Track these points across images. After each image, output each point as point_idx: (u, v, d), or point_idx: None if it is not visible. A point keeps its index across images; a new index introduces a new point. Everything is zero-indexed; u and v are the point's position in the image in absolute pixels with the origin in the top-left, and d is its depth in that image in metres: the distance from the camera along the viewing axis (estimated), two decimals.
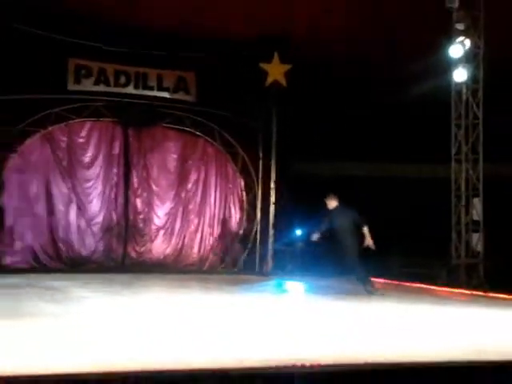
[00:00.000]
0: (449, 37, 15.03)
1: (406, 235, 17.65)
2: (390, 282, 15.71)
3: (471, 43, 14.88)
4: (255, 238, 18.92)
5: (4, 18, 16.23)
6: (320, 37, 17.13)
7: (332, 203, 13.23)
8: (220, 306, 10.99)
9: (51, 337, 6.51)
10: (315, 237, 13.18)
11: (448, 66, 15.32)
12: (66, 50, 16.86)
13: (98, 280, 14.61)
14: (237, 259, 18.83)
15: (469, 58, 15.01)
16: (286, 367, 5.24)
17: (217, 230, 19.15)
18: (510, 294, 12.62)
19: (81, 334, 6.83)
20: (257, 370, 5.17)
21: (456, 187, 15.48)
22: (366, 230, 12.72)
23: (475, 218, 15.21)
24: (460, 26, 14.81)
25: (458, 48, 14.89)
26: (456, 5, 14.48)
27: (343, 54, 17.48)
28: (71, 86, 17.17)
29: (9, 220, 16.74)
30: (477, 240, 15.17)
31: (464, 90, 15.26)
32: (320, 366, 5.31)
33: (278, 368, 5.25)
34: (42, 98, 16.44)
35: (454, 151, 15.44)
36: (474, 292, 13.65)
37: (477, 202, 15.27)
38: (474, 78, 15.12)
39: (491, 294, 13.13)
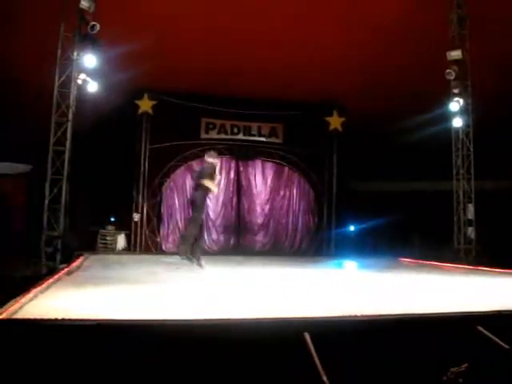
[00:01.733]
0: (449, 97, 16.09)
1: (425, 229, 19.18)
2: (413, 260, 16.69)
3: (464, 102, 16.04)
4: (323, 232, 21.07)
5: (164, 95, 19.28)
6: (360, 101, 18.83)
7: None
8: (296, 274, 12.01)
9: (188, 293, 7.74)
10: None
11: (449, 116, 16.43)
12: (200, 112, 19.78)
13: (220, 259, 15.89)
14: (311, 247, 21.01)
15: (463, 112, 16.15)
16: (334, 317, 5.69)
17: (298, 228, 21.20)
18: (492, 268, 13.24)
19: (206, 291, 8.07)
20: (306, 319, 5.42)
21: (456, 196, 16.67)
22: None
23: (469, 217, 16.49)
24: (456, 91, 15.96)
25: (455, 105, 16.06)
26: (452, 77, 15.77)
27: (378, 110, 18.89)
28: (203, 135, 20.12)
29: (164, 221, 19.88)
30: (471, 232, 16.42)
31: (460, 132, 16.47)
32: (359, 316, 5.65)
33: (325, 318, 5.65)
34: (185, 143, 19.62)
35: (454, 172, 16.63)
36: (470, 267, 14.39)
37: (470, 207, 16.54)
38: (466, 125, 16.36)
39: (481, 268, 13.69)
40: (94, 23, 12.49)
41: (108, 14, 12.71)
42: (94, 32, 12.55)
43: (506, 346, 5.11)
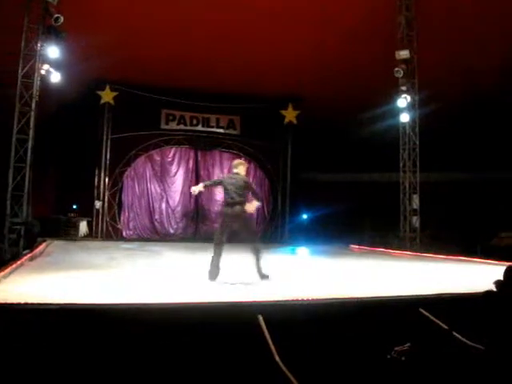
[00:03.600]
0: (397, 94, 16.25)
1: (374, 218, 19.33)
2: (362, 247, 17.26)
3: (411, 98, 16.22)
4: (278, 220, 21.30)
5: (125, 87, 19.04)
6: (315, 96, 19.03)
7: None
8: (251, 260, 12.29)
9: (145, 278, 7.82)
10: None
11: (397, 112, 16.64)
12: (160, 104, 19.86)
13: (179, 246, 16.35)
14: (266, 234, 20.72)
15: (410, 108, 16.34)
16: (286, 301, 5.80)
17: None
18: (435, 254, 13.79)
19: (163, 276, 8.20)
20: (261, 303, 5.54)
21: (403, 188, 16.89)
22: None
23: (414, 207, 16.69)
24: (403, 88, 16.11)
25: (402, 101, 16.20)
26: (400, 75, 15.91)
27: (331, 104, 19.03)
28: (163, 126, 20.22)
29: (125, 209, 19.78)
30: (415, 220, 16.62)
31: (407, 127, 16.66)
32: (311, 300, 5.78)
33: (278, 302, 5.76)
34: (146, 133, 19.62)
35: (401, 165, 16.86)
36: (414, 253, 14.80)
37: (415, 197, 16.75)
38: (413, 120, 16.53)
39: (424, 254, 14.13)
40: (57, 15, 12.31)
41: (72, 6, 12.54)
42: (58, 24, 12.39)
43: (446, 327, 5.24)
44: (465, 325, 4.91)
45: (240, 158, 20.01)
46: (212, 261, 7.99)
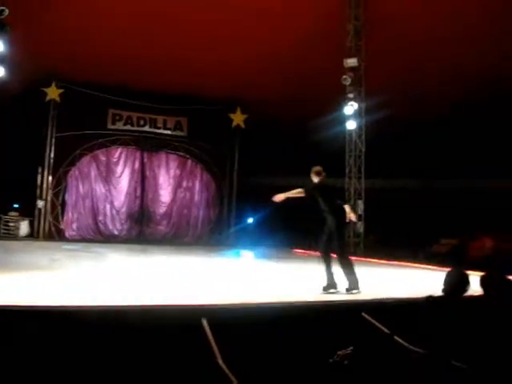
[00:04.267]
0: (344, 101, 16.52)
1: (319, 222, 19.54)
2: (305, 251, 17.04)
3: (357, 106, 16.54)
4: (223, 223, 21.27)
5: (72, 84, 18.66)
6: (264, 99, 18.90)
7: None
8: (196, 263, 12.32)
9: (88, 281, 7.58)
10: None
11: (344, 119, 16.93)
12: (108, 103, 19.60)
13: (123, 248, 16.11)
14: (211, 237, 21.04)
15: (356, 115, 16.70)
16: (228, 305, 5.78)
17: (199, 218, 21.20)
18: (379, 259, 14.10)
19: (107, 279, 7.98)
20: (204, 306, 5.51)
21: (348, 193, 17.17)
22: None
23: (359, 212, 16.83)
24: (350, 95, 16.42)
25: (349, 108, 16.48)
26: (348, 83, 16.27)
27: (280, 109, 19.16)
28: (109, 126, 19.90)
29: (69, 209, 19.36)
30: (360, 226, 17.00)
31: (353, 134, 17.08)
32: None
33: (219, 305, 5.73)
34: (91, 132, 19.27)
35: (347, 171, 17.25)
36: (357, 257, 13.52)
37: (360, 203, 17.25)
38: (359, 127, 16.94)
39: (368, 259, 14.19)
40: (2, 8, 12.03)
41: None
42: (3, 17, 12.06)
43: (387, 331, 5.35)
44: (406, 329, 4.98)
45: (187, 159, 20.78)
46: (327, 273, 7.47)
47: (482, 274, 4.54)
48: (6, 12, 12.06)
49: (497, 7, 15.15)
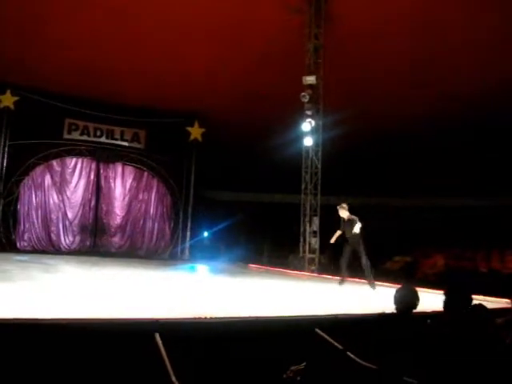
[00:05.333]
0: (302, 117, 16.31)
1: (274, 238, 19.81)
2: (261, 266, 17.53)
3: (315, 123, 16.36)
4: (178, 237, 21.22)
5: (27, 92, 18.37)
6: (221, 115, 19.35)
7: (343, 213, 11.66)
8: (150, 277, 12.23)
9: (40, 293, 7.39)
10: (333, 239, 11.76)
11: (301, 135, 16.77)
12: (64, 112, 19.33)
13: (76, 260, 15.81)
14: (166, 251, 21.05)
15: (313, 132, 16.50)
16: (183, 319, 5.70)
17: (154, 231, 21.16)
18: (331, 275, 14.11)
19: (59, 291, 7.76)
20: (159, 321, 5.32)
21: (304, 209, 16.99)
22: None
23: (314, 228, 16.86)
24: (309, 112, 16.21)
25: (307, 125, 16.29)
26: (306, 100, 16.03)
27: (238, 124, 19.56)
28: (65, 136, 19.66)
29: (20, 219, 18.99)
30: (315, 242, 16.79)
31: (310, 151, 16.86)
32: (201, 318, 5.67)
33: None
34: (47, 142, 19.05)
35: (303, 187, 17.03)
36: (311, 274, 15.36)
37: (315, 219, 16.95)
38: (316, 144, 16.76)
39: (322, 275, 14.66)
40: None
41: None
42: None
43: (340, 347, 5.37)
44: (359, 345, 4.99)
45: (143, 172, 20.73)
46: None
47: (443, 291, 4.61)
48: None
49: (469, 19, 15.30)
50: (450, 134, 19.12)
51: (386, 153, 20.38)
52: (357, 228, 11.06)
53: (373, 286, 10.96)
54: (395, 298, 4.74)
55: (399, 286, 4.99)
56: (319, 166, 17.13)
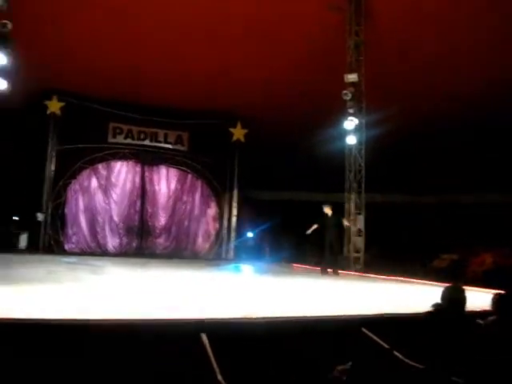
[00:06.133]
0: (344, 116, 16.21)
1: (319, 237, 19.33)
2: (306, 266, 17.23)
3: (358, 121, 16.28)
4: (223, 237, 21.24)
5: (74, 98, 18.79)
6: (263, 115, 19.31)
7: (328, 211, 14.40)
8: (195, 277, 12.25)
9: (87, 294, 7.44)
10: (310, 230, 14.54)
11: (344, 134, 16.70)
12: (108, 117, 19.68)
13: (122, 261, 16.04)
14: (211, 251, 21.16)
15: (356, 130, 16.45)
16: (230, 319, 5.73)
17: (199, 233, 21.30)
18: (377, 274, 14.02)
19: (106, 292, 7.85)
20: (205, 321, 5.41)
21: (348, 208, 16.87)
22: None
23: (359, 227, 16.74)
24: (351, 111, 16.14)
25: (349, 123, 16.23)
26: (348, 98, 15.92)
27: (280, 124, 19.36)
28: (110, 139, 19.96)
29: (68, 222, 19.38)
30: (359, 241, 16.75)
31: (353, 149, 16.86)
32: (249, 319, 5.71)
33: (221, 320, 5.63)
34: (92, 146, 19.37)
35: (347, 185, 16.97)
36: (358, 273, 15.11)
37: (360, 218, 16.87)
38: (359, 142, 16.67)
39: (367, 274, 14.43)
40: (5, 21, 12.10)
41: (21, 13, 12.52)
42: (6, 30, 12.13)
43: (387, 346, 5.33)
44: (405, 344, 4.94)
45: (187, 174, 20.89)
46: None
47: (494, 292, 4.54)
48: (9, 26, 12.12)
49: (497, 20, 15.15)
50: (496, 130, 18.71)
51: (432, 149, 20.11)
52: (345, 223, 14.83)
53: (336, 273, 13.96)
54: (443, 296, 4.69)
55: (447, 284, 4.93)
56: (363, 164, 17.02)
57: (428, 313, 4.77)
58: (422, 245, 17.82)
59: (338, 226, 14.61)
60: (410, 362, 4.75)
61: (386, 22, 15.89)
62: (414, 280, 12.66)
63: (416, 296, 9.70)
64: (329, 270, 14.31)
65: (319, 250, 15.29)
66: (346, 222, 14.91)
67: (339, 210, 16.74)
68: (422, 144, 20.01)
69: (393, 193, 21.51)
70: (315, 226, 14.60)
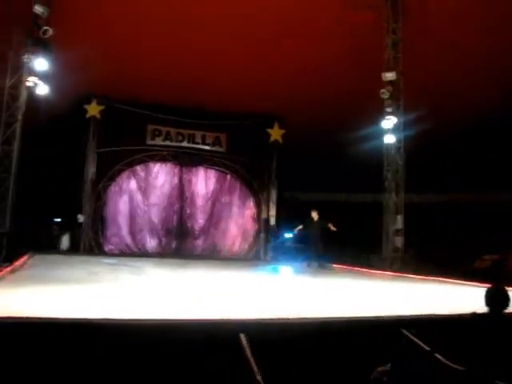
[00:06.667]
0: (382, 115, 16.29)
1: (356, 238, 19.11)
2: (345, 266, 17.02)
3: (396, 120, 16.26)
4: (261, 238, 21.25)
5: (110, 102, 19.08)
6: (300, 115, 18.91)
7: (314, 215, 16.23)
8: (234, 278, 12.36)
9: (126, 294, 7.59)
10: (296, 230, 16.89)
11: (382, 133, 16.68)
12: (147, 119, 19.84)
13: (161, 262, 16.13)
14: (249, 252, 21.18)
15: (394, 129, 16.40)
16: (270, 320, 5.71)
17: (237, 233, 21.37)
18: (415, 274, 13.79)
19: (146, 292, 7.99)
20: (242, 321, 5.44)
21: (387, 208, 16.86)
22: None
23: (398, 227, 16.65)
24: (389, 109, 16.20)
25: (388, 122, 16.27)
26: (386, 97, 15.93)
27: (315, 123, 19.18)
28: (149, 141, 20.12)
29: (108, 223, 19.65)
30: (398, 241, 16.57)
31: (391, 148, 16.74)
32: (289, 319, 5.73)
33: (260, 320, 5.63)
34: (131, 148, 19.58)
35: (385, 185, 16.88)
36: (396, 273, 14.80)
37: (399, 217, 16.70)
38: (398, 141, 16.54)
39: (406, 275, 14.09)
40: (46, 28, 12.37)
41: (61, 19, 12.72)
42: (47, 36, 12.41)
43: (427, 348, 5.24)
44: (447, 346, 4.89)
45: (226, 175, 20.99)
46: None
47: None
48: (50, 32, 12.40)
49: None
50: None
51: (471, 147, 19.87)
52: (330, 226, 16.04)
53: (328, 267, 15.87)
54: (486, 297, 4.62)
55: (488, 285, 4.86)
56: (401, 164, 16.81)
57: (471, 314, 4.70)
58: (462, 245, 17.59)
59: (322, 229, 16.18)
60: (452, 364, 4.67)
61: (423, 19, 15.64)
62: (455, 280, 12.47)
63: (457, 297, 9.58)
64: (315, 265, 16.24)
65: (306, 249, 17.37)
66: (332, 227, 16.08)
67: (377, 210, 17.31)
68: (462, 142, 19.67)
69: (432, 192, 21.37)
70: (300, 227, 16.81)
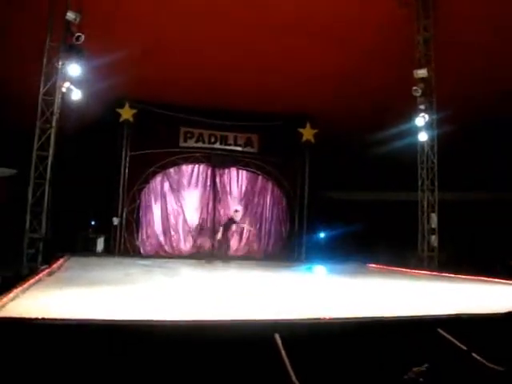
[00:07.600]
0: (416, 113, 16.08)
1: (392, 237, 19.18)
2: (380, 266, 17.11)
3: (429, 117, 16.09)
4: (294, 238, 21.19)
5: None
6: (332, 115, 18.86)
7: None
8: (268, 278, 12.38)
9: (159, 295, 7.64)
10: None
11: (415, 130, 16.48)
12: (179, 121, 19.98)
13: (195, 263, 16.40)
14: (283, 252, 21.00)
15: (428, 126, 16.24)
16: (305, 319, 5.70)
17: (270, 234, 21.35)
18: (453, 274, 13.56)
19: (181, 293, 8.14)
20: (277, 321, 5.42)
21: (421, 206, 16.69)
22: None
23: (433, 226, 16.50)
24: (422, 107, 16.00)
25: (421, 120, 16.08)
26: (419, 94, 15.85)
27: (349, 123, 19.11)
28: (181, 144, 20.27)
29: (143, 225, 19.83)
30: (434, 240, 16.42)
31: (425, 146, 16.60)
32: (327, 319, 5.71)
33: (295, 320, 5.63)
34: (164, 151, 19.77)
35: (419, 183, 16.73)
36: (432, 272, 14.64)
37: (433, 216, 16.58)
38: (431, 139, 16.45)
39: (443, 274, 13.95)
40: (79, 34, 12.57)
41: (92, 25, 12.81)
42: (79, 42, 12.61)
43: (464, 348, 5.17)
44: (484, 346, 4.83)
45: (258, 175, 21.07)
46: None
47: None
48: (82, 38, 12.58)
49: None
50: None
51: (506, 146, 19.41)
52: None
53: None
54: None
55: None
56: (435, 162, 16.69)
57: (508, 313, 4.63)
58: (499, 243, 17.42)
59: None
60: (490, 364, 4.60)
61: (455, 11, 15.40)
62: (492, 279, 12.27)
63: (494, 295, 9.45)
64: None
65: None
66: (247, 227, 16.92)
67: (410, 209, 17.09)
68: (497, 140, 19.42)
69: (466, 190, 21.11)
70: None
